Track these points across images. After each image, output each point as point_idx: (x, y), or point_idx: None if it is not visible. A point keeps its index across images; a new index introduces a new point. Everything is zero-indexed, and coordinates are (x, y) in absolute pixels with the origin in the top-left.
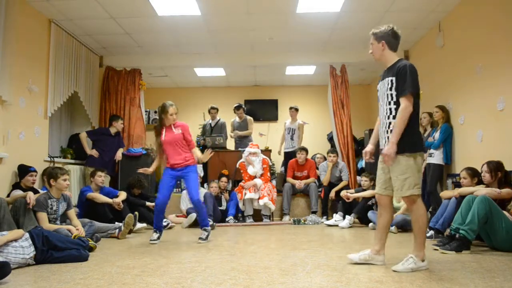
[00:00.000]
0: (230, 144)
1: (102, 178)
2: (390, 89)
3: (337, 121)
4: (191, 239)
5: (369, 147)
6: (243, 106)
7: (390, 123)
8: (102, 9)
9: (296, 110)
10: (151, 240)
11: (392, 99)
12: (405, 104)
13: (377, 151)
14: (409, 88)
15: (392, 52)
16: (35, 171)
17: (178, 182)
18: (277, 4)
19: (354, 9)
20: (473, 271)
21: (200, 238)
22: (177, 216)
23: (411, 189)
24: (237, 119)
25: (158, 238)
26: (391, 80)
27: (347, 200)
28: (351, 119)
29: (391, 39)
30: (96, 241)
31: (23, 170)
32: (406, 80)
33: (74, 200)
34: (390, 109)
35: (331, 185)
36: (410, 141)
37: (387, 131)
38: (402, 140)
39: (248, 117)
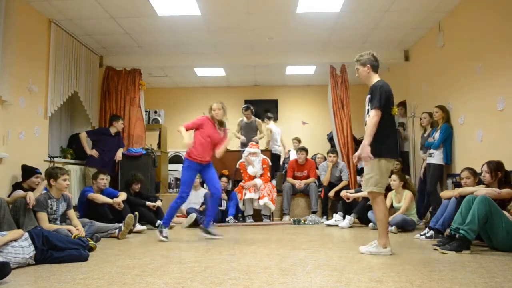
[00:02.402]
0: (230, 144)
1: (105, 182)
2: (368, 104)
3: (337, 121)
4: (191, 239)
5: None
6: (251, 108)
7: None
8: (102, 9)
9: (267, 118)
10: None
11: (368, 112)
12: (372, 114)
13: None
14: (376, 103)
15: (374, 74)
16: (40, 172)
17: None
18: (277, 4)
19: (354, 9)
20: (473, 271)
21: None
22: (177, 216)
23: (372, 187)
24: (245, 120)
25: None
26: (368, 97)
27: (347, 200)
28: (351, 119)
29: (374, 62)
30: (96, 241)
31: (28, 171)
32: (376, 97)
33: (75, 201)
34: (366, 121)
35: (331, 185)
36: (375, 147)
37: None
38: (370, 145)
39: (258, 120)
